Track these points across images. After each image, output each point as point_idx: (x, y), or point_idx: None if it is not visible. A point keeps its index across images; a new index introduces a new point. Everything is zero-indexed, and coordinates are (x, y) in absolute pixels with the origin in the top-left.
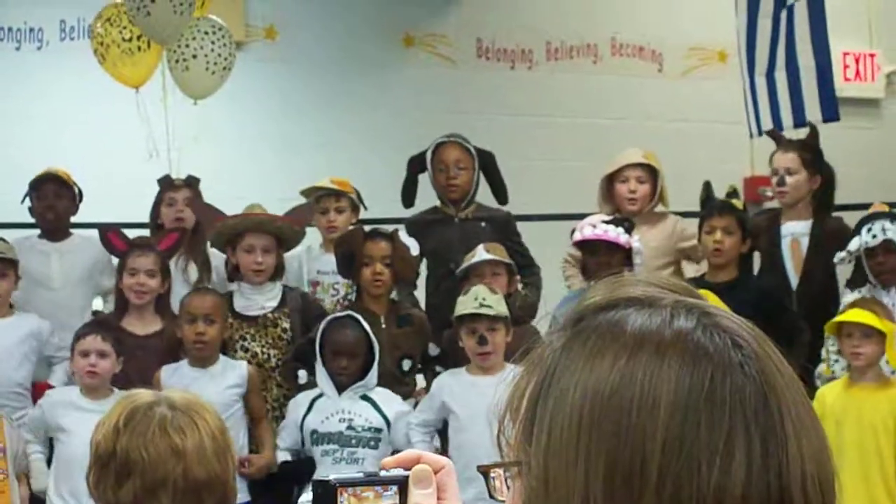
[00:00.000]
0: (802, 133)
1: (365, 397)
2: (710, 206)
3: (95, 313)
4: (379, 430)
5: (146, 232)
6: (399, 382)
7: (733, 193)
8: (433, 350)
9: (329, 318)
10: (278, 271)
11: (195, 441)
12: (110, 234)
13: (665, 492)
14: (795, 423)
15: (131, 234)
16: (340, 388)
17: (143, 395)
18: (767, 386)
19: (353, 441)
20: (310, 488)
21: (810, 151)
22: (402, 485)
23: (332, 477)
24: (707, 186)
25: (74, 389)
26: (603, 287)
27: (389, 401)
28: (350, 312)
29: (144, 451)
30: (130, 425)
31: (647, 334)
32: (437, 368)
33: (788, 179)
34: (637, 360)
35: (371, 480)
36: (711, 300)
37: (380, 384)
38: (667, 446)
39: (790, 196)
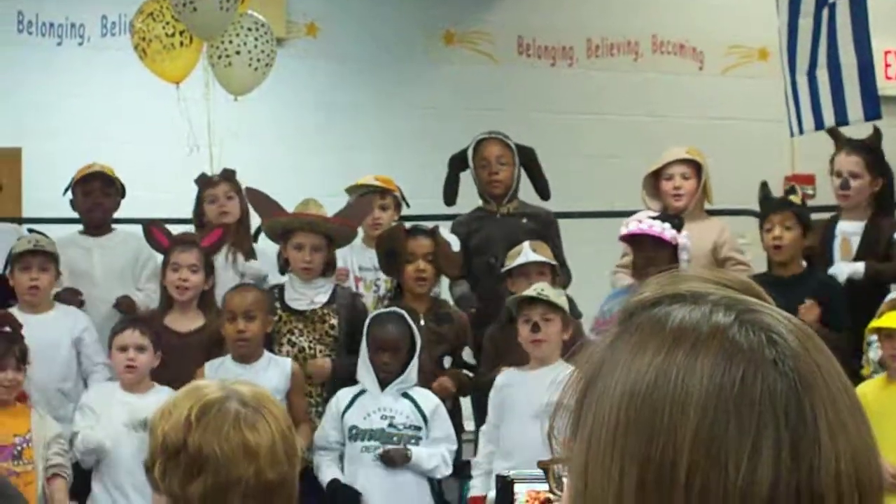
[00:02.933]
0: (864, 131)
1: (405, 395)
2: (767, 204)
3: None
4: (419, 429)
5: (187, 228)
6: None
7: (791, 190)
8: (468, 356)
9: (374, 313)
10: (329, 268)
11: (268, 440)
12: (154, 228)
13: (693, 492)
14: (832, 422)
15: (172, 229)
16: (382, 384)
17: (211, 387)
18: (802, 384)
19: (395, 438)
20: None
21: (873, 154)
22: None
23: (511, 472)
24: (764, 186)
25: (114, 385)
26: (654, 282)
27: (427, 398)
28: (395, 308)
29: (218, 449)
30: (204, 420)
31: (685, 330)
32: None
33: (853, 183)
34: (673, 357)
35: (536, 478)
36: None
37: (418, 381)
38: (696, 446)
39: (853, 200)
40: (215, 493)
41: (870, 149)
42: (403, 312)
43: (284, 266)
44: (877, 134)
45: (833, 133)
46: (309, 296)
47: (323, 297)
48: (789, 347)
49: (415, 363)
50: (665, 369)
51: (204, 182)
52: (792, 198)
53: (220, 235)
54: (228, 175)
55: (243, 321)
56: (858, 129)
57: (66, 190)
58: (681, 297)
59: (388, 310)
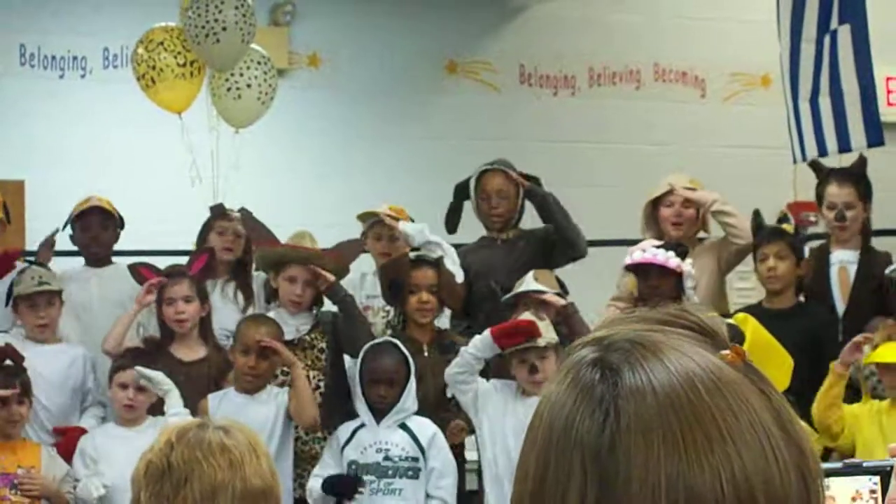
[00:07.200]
0: (843, 160)
1: (403, 426)
2: (760, 234)
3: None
4: (416, 460)
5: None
6: (443, 409)
7: (784, 218)
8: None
9: (368, 345)
10: (316, 302)
11: (249, 456)
12: (141, 268)
13: None
14: (650, 463)
15: (173, 261)
16: (379, 416)
17: (187, 419)
18: (619, 423)
19: (391, 472)
20: None
21: (864, 182)
22: (885, 474)
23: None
24: (757, 215)
25: (109, 424)
26: (603, 324)
27: (424, 428)
28: (389, 339)
29: (202, 457)
30: (185, 439)
31: (559, 371)
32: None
33: (849, 214)
34: (545, 400)
35: (849, 470)
36: (750, 326)
37: (423, 412)
38: (533, 496)
39: (850, 230)
40: (204, 499)
41: (860, 177)
42: (397, 342)
43: (271, 296)
44: (862, 160)
45: (814, 166)
46: (294, 325)
47: (306, 325)
48: (626, 387)
49: (410, 392)
50: (535, 417)
51: (219, 213)
52: (785, 226)
53: (207, 260)
54: (245, 215)
55: (256, 357)
56: (839, 158)
57: (66, 225)
58: (597, 338)
59: (381, 340)
